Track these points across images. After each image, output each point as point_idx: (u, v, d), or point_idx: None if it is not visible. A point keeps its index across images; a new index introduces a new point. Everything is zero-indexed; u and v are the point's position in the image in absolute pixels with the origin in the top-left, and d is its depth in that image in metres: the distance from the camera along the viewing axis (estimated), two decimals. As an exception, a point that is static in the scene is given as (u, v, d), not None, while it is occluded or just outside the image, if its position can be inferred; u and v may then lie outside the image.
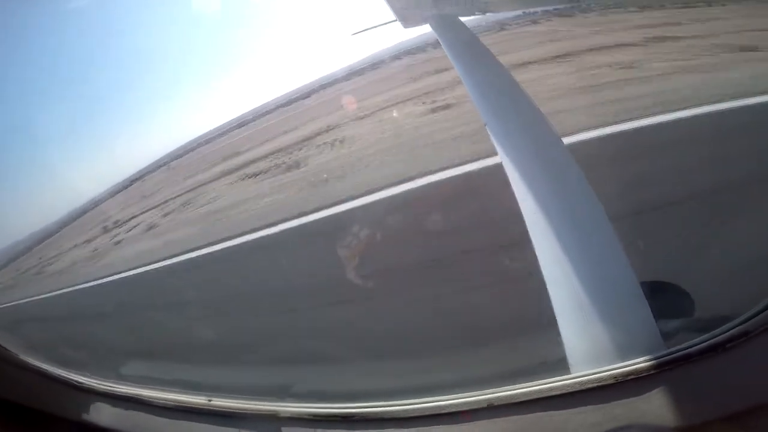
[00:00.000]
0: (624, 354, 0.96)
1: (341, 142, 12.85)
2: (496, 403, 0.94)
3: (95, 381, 1.50)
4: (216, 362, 3.72)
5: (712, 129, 5.26)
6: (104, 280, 9.02)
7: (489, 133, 1.77)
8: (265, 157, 15.55)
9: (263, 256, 6.86)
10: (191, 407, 1.28)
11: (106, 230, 16.16)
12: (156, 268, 8.18)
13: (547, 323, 1.13)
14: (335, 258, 4.93)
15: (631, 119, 5.99)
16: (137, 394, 1.41)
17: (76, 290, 9.27)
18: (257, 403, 1.21)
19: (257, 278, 5.96)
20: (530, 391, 0.92)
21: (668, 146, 5.19)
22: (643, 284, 1.11)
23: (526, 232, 1.32)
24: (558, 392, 0.90)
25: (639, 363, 0.89)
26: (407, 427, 1.00)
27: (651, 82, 7.86)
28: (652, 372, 0.87)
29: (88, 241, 15.89)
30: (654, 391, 0.85)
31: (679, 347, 0.90)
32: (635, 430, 0.83)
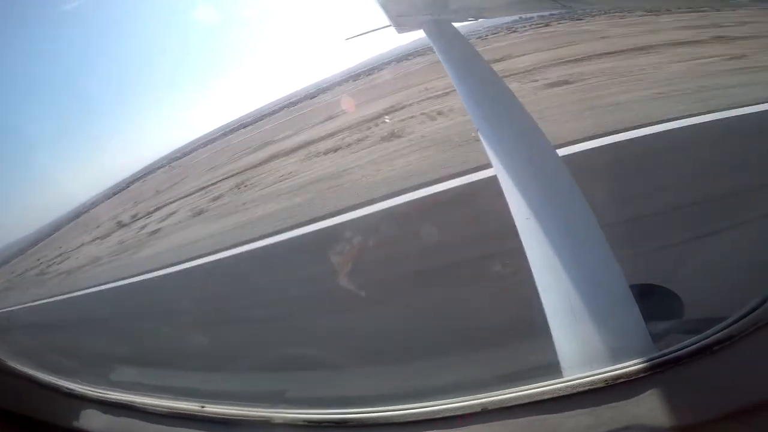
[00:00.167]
0: (615, 357, 0.97)
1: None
2: (489, 407, 0.94)
3: (87, 388, 1.48)
4: (209, 368, 3.70)
5: (696, 138, 5.39)
6: (96, 287, 8.94)
7: (481, 138, 1.79)
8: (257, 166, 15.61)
9: (256, 263, 6.85)
10: (184, 414, 1.27)
11: (96, 237, 16.01)
12: (149, 275, 8.12)
13: (540, 328, 1.14)
14: (328, 265, 4.95)
15: (622, 129, 6.12)
16: (129, 401, 1.39)
17: (68, 297, 9.18)
18: (251, 409, 1.20)
19: (250, 285, 5.95)
20: (523, 395, 0.92)
21: (654, 154, 5.32)
22: (633, 287, 1.12)
23: (518, 237, 1.33)
24: (551, 396, 0.91)
25: (630, 366, 0.90)
26: None
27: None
28: (643, 375, 0.88)
29: (80, 247, 15.74)
30: (645, 394, 0.86)
31: (668, 350, 0.91)
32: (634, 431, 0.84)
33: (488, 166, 1.65)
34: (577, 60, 12.39)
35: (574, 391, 0.90)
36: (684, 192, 3.96)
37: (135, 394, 1.43)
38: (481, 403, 0.95)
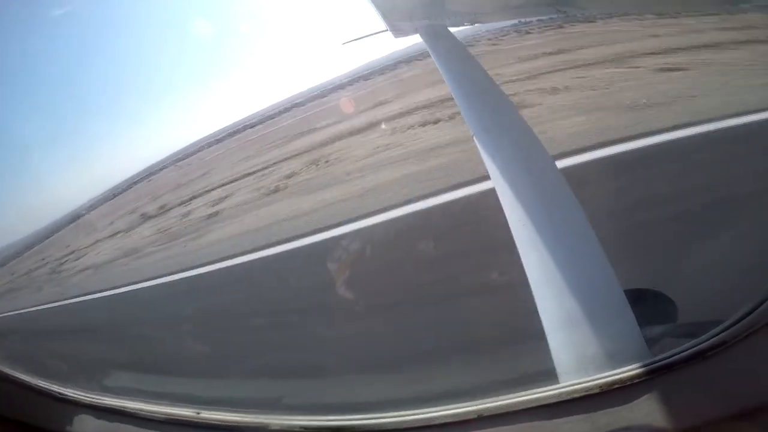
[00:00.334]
0: (610, 363, 0.98)
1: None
2: (486, 414, 0.94)
3: (80, 393, 1.47)
4: (205, 374, 3.67)
5: (685, 144, 5.45)
6: (92, 292, 8.87)
7: (477, 143, 1.80)
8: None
9: (253, 269, 6.83)
10: (179, 420, 1.26)
11: (90, 242, 15.88)
12: (145, 281, 8.07)
13: (535, 334, 1.15)
14: (325, 272, 4.94)
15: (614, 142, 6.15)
16: (123, 406, 1.38)
17: (63, 304, 9.10)
18: (247, 415, 1.19)
19: (247, 291, 5.93)
20: (520, 401, 0.93)
21: (647, 162, 5.37)
22: (627, 292, 1.13)
23: (513, 243, 1.34)
24: (546, 402, 0.91)
25: (625, 372, 0.91)
26: None
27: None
28: (638, 380, 0.89)
29: (74, 251, 15.60)
30: (640, 399, 0.87)
31: (663, 355, 0.92)
32: None
33: (484, 172, 1.66)
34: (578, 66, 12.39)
35: (570, 397, 0.91)
36: (677, 196, 3.99)
37: (129, 400, 1.41)
38: (478, 410, 0.95)
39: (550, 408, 0.91)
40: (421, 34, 3.27)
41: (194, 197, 15.57)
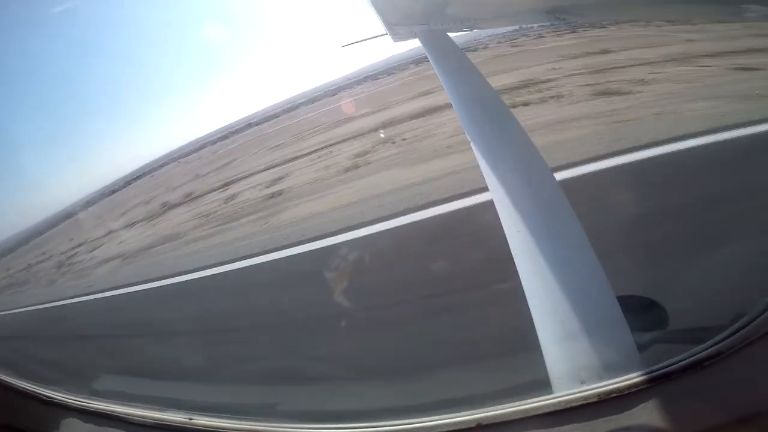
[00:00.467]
0: (607, 372, 0.98)
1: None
2: (484, 423, 0.94)
3: (68, 396, 1.44)
4: (197, 379, 3.63)
5: (682, 154, 5.48)
6: (83, 295, 8.76)
7: (473, 149, 1.79)
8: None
9: (247, 275, 6.78)
10: (170, 425, 1.24)
11: (80, 244, 15.71)
12: (137, 286, 7.99)
13: (531, 343, 1.14)
14: (321, 281, 4.92)
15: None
16: (113, 411, 1.36)
17: (54, 306, 8.97)
18: (240, 422, 1.17)
19: (241, 296, 5.88)
20: (518, 410, 0.93)
21: (641, 171, 5.40)
22: (620, 299, 1.13)
23: (509, 251, 1.33)
24: (544, 411, 0.91)
25: (622, 381, 0.91)
26: None
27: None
28: (635, 389, 0.89)
29: (63, 253, 15.41)
30: (637, 408, 0.87)
31: (660, 365, 0.92)
32: None
33: (481, 180, 1.65)
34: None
35: (568, 406, 0.91)
36: (674, 206, 4.01)
37: (119, 404, 1.39)
38: (476, 419, 0.95)
39: (550, 416, 0.90)
40: (420, 39, 3.27)
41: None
